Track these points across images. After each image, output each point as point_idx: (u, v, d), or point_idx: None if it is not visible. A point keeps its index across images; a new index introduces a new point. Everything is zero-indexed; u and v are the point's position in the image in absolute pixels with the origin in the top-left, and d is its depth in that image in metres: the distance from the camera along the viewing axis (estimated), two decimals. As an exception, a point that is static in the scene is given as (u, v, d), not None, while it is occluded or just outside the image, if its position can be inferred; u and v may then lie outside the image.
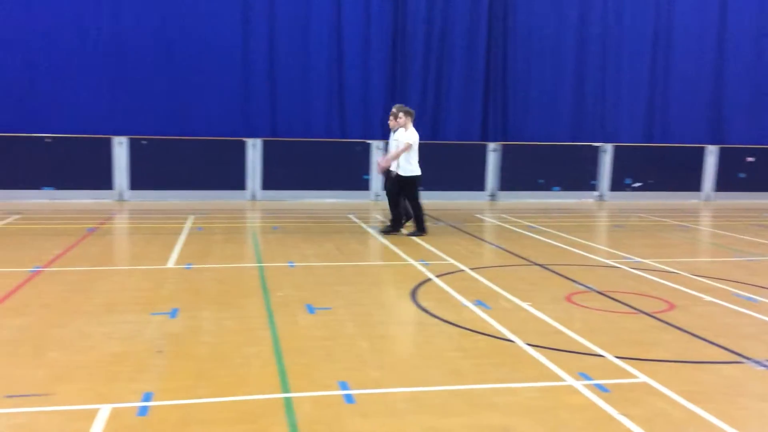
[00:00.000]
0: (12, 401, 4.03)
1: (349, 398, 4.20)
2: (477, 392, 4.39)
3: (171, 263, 7.99)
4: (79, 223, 10.92)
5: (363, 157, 14.93)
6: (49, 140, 13.56)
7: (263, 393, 4.26)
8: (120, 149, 13.93)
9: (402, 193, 10.11)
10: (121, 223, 11.49)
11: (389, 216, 10.41)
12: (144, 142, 14.05)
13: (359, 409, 4.06)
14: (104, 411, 3.91)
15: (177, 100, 14.52)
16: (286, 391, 4.29)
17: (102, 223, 10.95)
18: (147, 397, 4.12)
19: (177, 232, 10.08)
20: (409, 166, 9.89)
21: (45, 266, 7.61)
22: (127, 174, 14.01)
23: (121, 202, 13.85)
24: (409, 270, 7.89)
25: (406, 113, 9.94)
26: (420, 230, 10.10)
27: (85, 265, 7.81)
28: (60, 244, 8.91)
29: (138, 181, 14.05)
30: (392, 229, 10.23)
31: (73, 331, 5.40)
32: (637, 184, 16.15)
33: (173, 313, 5.90)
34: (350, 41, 15.22)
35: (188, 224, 10.92)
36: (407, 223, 10.45)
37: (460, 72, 15.74)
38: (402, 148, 9.81)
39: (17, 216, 11.44)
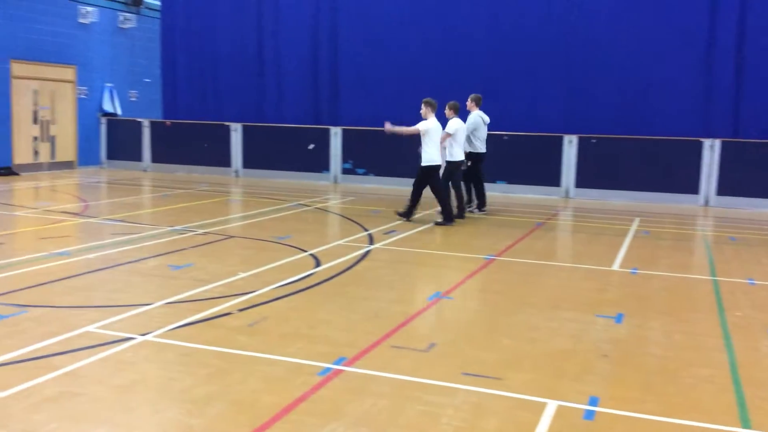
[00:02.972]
0: (467, 379, 4.36)
1: (831, 453, 3.50)
2: None
3: (616, 266, 7.82)
4: (528, 217, 11.47)
5: None
6: (506, 138, 14.54)
7: (718, 423, 3.81)
8: (569, 148, 14.22)
9: (426, 183, 10.08)
10: (565, 220, 11.71)
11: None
12: (593, 140, 14.09)
13: None
14: (551, 406, 3.96)
15: (626, 98, 14.23)
16: (746, 426, 3.78)
17: (548, 219, 11.32)
18: (593, 402, 4.04)
19: (622, 234, 9.84)
20: (427, 155, 9.98)
21: (497, 255, 8.16)
22: (574, 172, 14.25)
23: (566, 199, 14.15)
24: None
25: (426, 104, 10.08)
26: (447, 219, 10.06)
27: (532, 258, 8.13)
28: (510, 236, 9.47)
29: (584, 180, 14.18)
30: (446, 220, 10.12)
31: (521, 320, 5.65)
32: None
33: (618, 318, 5.73)
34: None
35: (634, 226, 10.57)
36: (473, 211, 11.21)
37: None
38: (407, 129, 10.18)
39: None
